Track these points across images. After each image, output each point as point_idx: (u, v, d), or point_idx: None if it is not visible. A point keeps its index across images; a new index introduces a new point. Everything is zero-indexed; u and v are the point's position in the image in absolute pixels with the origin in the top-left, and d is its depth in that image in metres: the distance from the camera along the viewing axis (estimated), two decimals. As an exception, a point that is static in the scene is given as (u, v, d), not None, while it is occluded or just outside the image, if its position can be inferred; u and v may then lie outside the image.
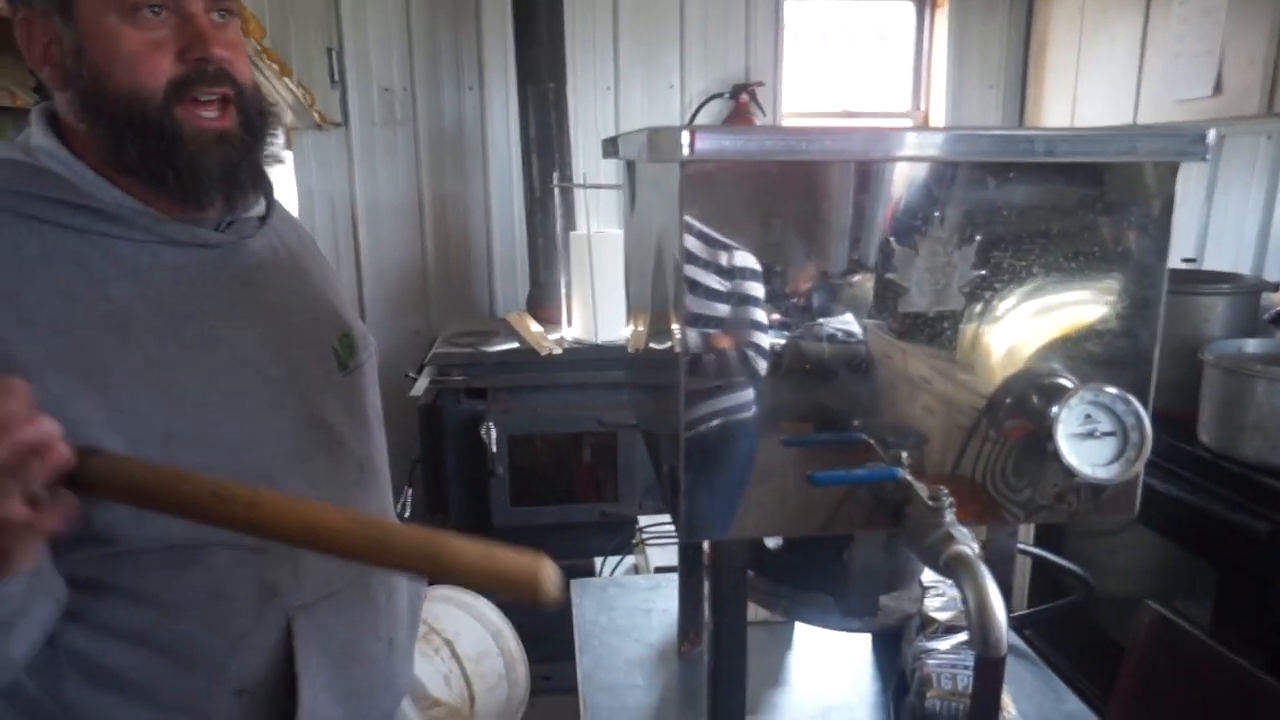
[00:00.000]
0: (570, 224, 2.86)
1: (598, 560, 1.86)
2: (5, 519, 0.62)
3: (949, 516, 0.75)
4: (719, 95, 3.19)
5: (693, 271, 0.73)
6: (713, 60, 3.21)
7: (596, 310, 2.52)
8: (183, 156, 0.85)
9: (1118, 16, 2.80)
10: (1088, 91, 2.98)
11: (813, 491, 0.80)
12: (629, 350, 1.27)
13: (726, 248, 0.74)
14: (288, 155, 3.07)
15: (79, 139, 0.86)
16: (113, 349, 0.82)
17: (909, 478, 0.77)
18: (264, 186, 0.97)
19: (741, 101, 3.14)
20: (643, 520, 1.82)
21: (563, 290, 2.71)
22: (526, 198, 2.90)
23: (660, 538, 1.74)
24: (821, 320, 0.77)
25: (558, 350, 2.47)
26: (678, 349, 0.75)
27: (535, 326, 2.65)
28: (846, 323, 0.78)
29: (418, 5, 3.06)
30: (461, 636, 1.87)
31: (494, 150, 3.17)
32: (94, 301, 0.82)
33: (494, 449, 2.42)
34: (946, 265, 0.76)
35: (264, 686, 0.90)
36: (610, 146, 1.19)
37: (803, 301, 0.76)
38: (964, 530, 0.74)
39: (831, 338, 0.78)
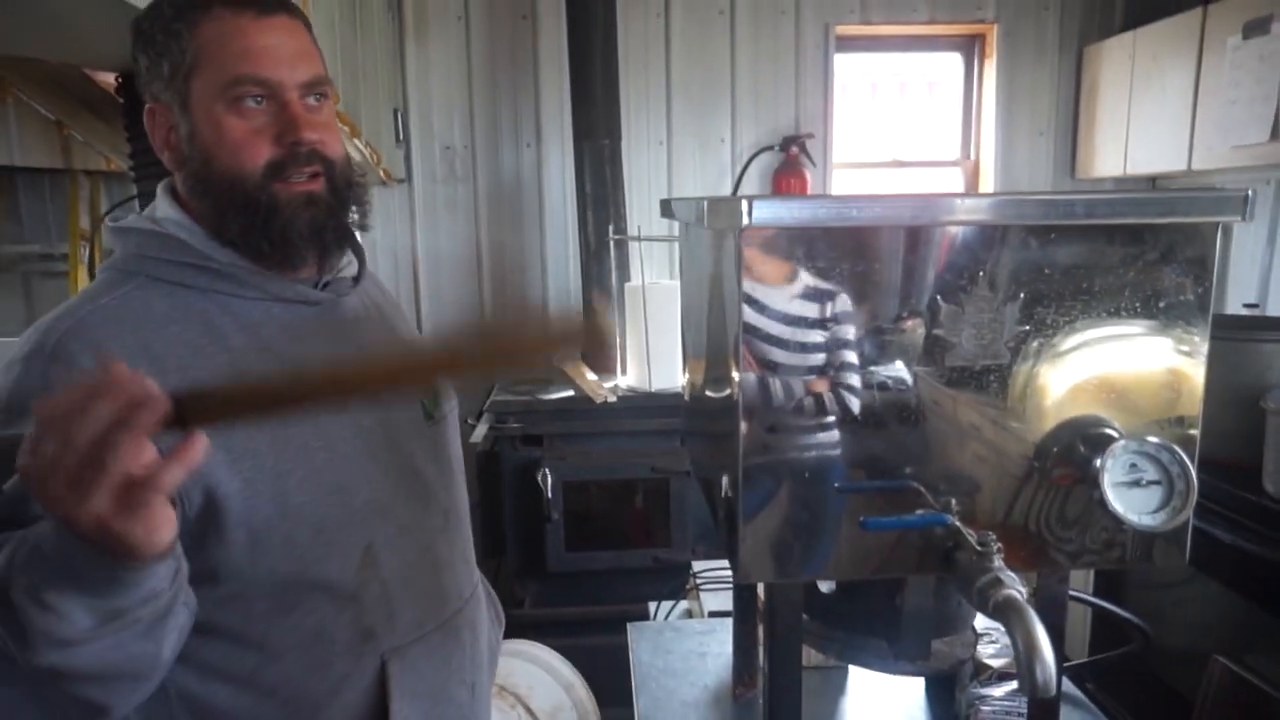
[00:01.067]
0: (625, 275, 2.94)
1: (651, 605, 1.89)
2: (131, 473, 0.64)
3: (997, 561, 0.77)
4: (769, 148, 3.27)
5: (750, 324, 0.78)
6: (763, 114, 3.29)
7: (650, 359, 2.58)
8: (276, 225, 0.93)
9: (1169, 63, 2.81)
10: (1140, 138, 2.99)
11: (865, 536, 0.84)
12: (685, 398, 1.32)
13: (782, 303, 0.79)
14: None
15: (194, 209, 0.96)
16: None
17: (958, 523, 0.80)
18: (352, 247, 1.05)
19: (792, 154, 3.22)
20: (696, 565, 1.85)
21: (617, 340, 2.77)
22: (582, 250, 2.99)
23: (714, 583, 1.77)
24: (873, 372, 0.81)
25: (612, 398, 2.53)
26: (736, 396, 0.80)
27: (590, 375, 2.72)
28: (897, 374, 0.82)
29: (478, 68, 3.22)
30: (535, 692, 1.90)
31: (550, 205, 3.29)
32: (215, 353, 0.91)
33: (550, 495, 2.48)
34: (992, 321, 0.80)
35: None
36: (667, 208, 1.25)
37: (855, 355, 0.80)
38: (1012, 575, 0.76)
39: (882, 388, 0.82)
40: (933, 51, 3.49)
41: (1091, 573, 2.42)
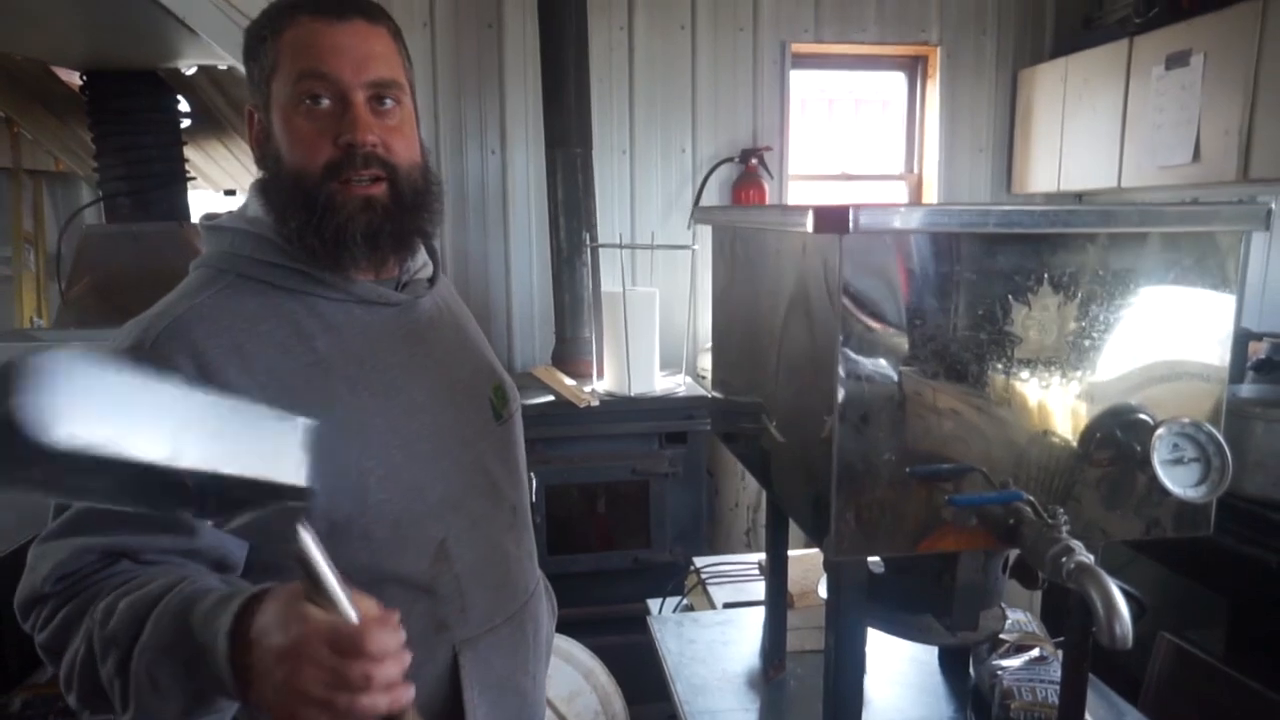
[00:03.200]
0: (596, 281, 2.99)
1: (653, 602, 1.95)
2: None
3: (1065, 532, 0.87)
4: (729, 159, 3.37)
5: (848, 327, 0.86)
6: (723, 126, 3.40)
7: (630, 363, 2.64)
8: (330, 225, 0.94)
9: (1100, 87, 3.04)
10: (1073, 156, 3.21)
11: (936, 514, 0.92)
12: (719, 396, 1.39)
13: (875, 305, 0.86)
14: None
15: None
16: (315, 394, 0.92)
17: (1030, 499, 0.89)
18: (428, 250, 1.08)
19: (751, 165, 3.33)
20: (700, 561, 1.91)
21: (592, 345, 2.82)
22: (554, 257, 3.03)
23: (718, 577, 1.84)
24: (947, 368, 0.90)
25: (595, 403, 2.57)
26: (830, 394, 0.87)
27: (568, 380, 2.76)
28: (968, 370, 0.90)
29: (443, 75, 3.22)
30: (551, 680, 1.93)
31: (514, 211, 3.31)
32: (301, 352, 0.93)
33: (533, 499, 2.50)
34: (1054, 319, 0.89)
35: (432, 716, 0.98)
36: (703, 214, 1.32)
37: (934, 352, 0.89)
38: (1079, 544, 0.86)
39: (954, 383, 0.91)
40: (880, 70, 3.66)
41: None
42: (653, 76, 3.33)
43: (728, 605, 1.69)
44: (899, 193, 3.72)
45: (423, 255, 1.09)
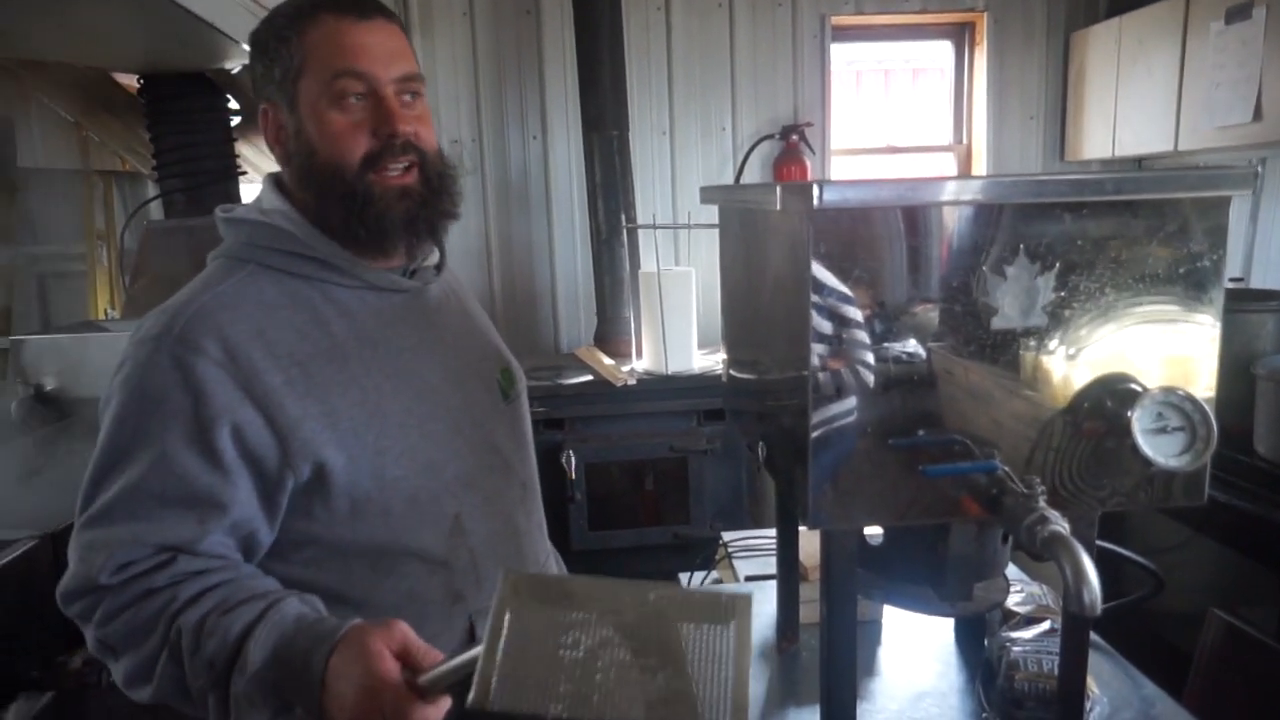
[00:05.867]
0: (635, 262, 3.02)
1: (683, 576, 1.99)
2: None
3: (1042, 501, 0.87)
4: (769, 136, 3.36)
5: (818, 303, 0.87)
6: (763, 103, 3.38)
7: (666, 342, 2.67)
8: (372, 213, 1.01)
9: (1155, 47, 2.92)
10: (1127, 120, 3.10)
11: (918, 484, 0.93)
12: (727, 374, 1.41)
13: (846, 281, 0.88)
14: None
15: (299, 201, 1.04)
16: (334, 377, 0.98)
17: (1006, 469, 0.89)
18: (439, 238, 1.13)
19: (792, 142, 3.31)
20: (727, 536, 1.94)
21: (631, 324, 2.86)
22: (593, 239, 3.07)
23: (745, 551, 1.86)
24: (923, 339, 0.90)
25: (632, 381, 2.62)
26: (805, 370, 0.89)
27: (607, 360, 2.80)
28: (945, 341, 0.91)
29: (484, 62, 3.28)
30: None
31: (557, 195, 3.36)
32: (319, 337, 0.99)
33: (573, 476, 2.57)
34: (1031, 289, 0.89)
35: None
36: (708, 194, 1.34)
37: (909, 324, 0.89)
38: (1056, 513, 0.86)
39: (932, 354, 0.91)
40: (925, 40, 3.59)
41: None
42: (691, 56, 3.33)
43: (749, 579, 1.71)
44: (948, 164, 3.65)
45: (430, 244, 1.14)
